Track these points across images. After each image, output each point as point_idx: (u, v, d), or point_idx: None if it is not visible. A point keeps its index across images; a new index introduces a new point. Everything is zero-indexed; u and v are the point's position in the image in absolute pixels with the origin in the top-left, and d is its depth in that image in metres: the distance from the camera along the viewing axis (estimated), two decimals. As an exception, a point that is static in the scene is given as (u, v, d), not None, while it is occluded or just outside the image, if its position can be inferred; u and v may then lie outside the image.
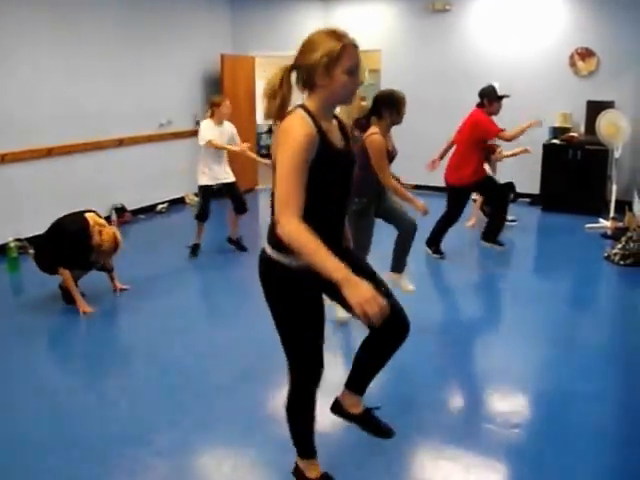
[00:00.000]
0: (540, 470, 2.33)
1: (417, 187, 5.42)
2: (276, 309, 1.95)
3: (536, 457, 2.41)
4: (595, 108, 6.48)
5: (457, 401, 2.96)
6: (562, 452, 2.43)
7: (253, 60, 8.33)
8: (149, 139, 6.92)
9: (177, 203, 7.32)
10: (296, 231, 1.62)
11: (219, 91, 7.82)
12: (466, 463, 2.38)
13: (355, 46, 1.76)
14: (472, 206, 6.23)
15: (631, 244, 4.97)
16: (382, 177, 3.58)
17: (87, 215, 3.96)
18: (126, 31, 6.48)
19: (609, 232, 5.80)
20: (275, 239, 1.78)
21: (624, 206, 6.13)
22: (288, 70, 1.79)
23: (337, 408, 2.17)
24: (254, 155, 5.72)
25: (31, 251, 5.08)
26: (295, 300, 1.90)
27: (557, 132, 6.98)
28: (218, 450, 2.52)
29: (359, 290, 1.54)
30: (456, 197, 5.09)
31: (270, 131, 12.13)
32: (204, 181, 5.20)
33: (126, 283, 4.43)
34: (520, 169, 6.55)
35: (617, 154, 6.07)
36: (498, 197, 5.17)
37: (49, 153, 5.62)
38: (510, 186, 5.92)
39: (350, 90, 1.78)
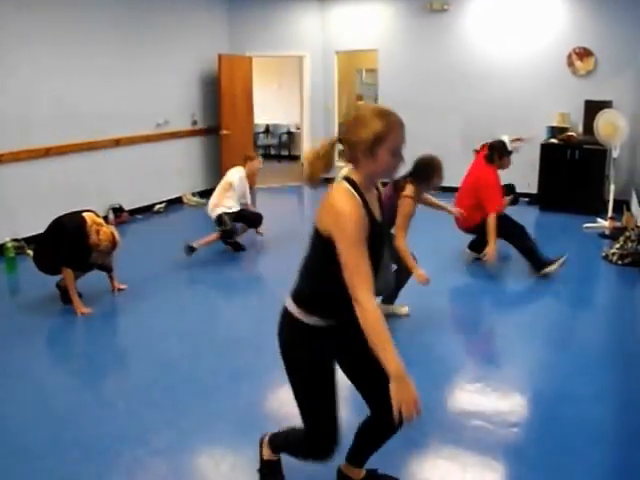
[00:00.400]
0: (538, 469, 2.33)
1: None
2: (293, 366, 1.96)
3: (534, 456, 2.41)
4: (593, 108, 6.50)
5: (455, 401, 2.96)
6: (560, 452, 2.43)
7: (250, 60, 8.34)
8: (146, 139, 6.92)
9: (174, 203, 7.34)
10: (375, 317, 1.67)
11: (216, 91, 7.83)
12: (464, 462, 2.39)
13: (402, 126, 1.80)
14: None
15: (629, 244, 4.97)
16: (397, 235, 3.60)
17: (85, 214, 3.96)
18: (123, 32, 6.49)
19: (607, 232, 5.81)
20: (301, 296, 1.88)
21: (622, 206, 6.19)
22: (334, 142, 1.86)
23: (340, 476, 2.24)
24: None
25: (29, 251, 5.08)
26: (314, 359, 1.92)
27: (555, 132, 7.01)
28: (216, 449, 2.52)
29: (406, 390, 1.65)
30: (500, 226, 4.71)
31: (267, 131, 12.14)
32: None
33: (123, 283, 4.44)
34: (518, 168, 6.54)
35: (615, 154, 6.08)
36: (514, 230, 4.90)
37: (46, 153, 5.62)
38: (510, 187, 5.91)
39: (392, 168, 1.83)
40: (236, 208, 5.33)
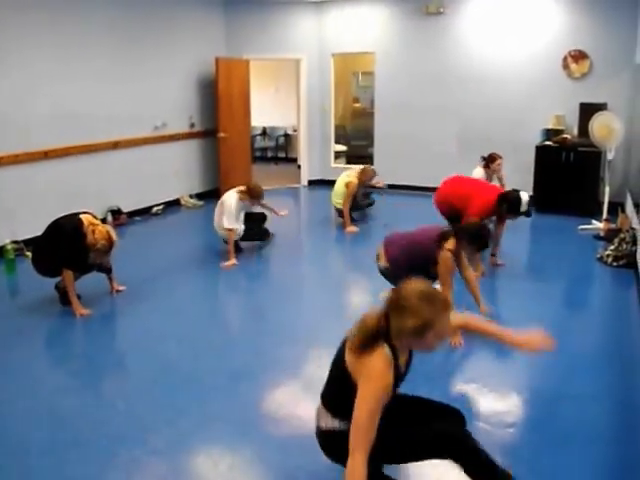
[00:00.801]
0: (535, 469, 2.34)
1: (410, 188, 5.44)
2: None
3: (531, 456, 2.43)
4: (588, 110, 6.52)
5: (451, 402, 2.95)
6: (556, 451, 2.45)
7: (247, 63, 8.37)
8: (144, 142, 6.95)
9: (172, 205, 7.36)
10: (360, 475, 1.77)
11: (214, 94, 7.86)
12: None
13: (447, 309, 1.91)
14: None
15: (624, 245, 5.00)
16: (443, 286, 3.60)
17: (82, 216, 3.99)
18: (121, 35, 6.52)
19: (602, 233, 5.82)
20: (341, 410, 1.98)
21: (617, 208, 6.19)
22: (380, 319, 1.91)
23: None
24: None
25: (28, 253, 5.09)
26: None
27: (550, 134, 7.03)
28: (214, 449, 2.53)
29: None
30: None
31: (264, 133, 12.16)
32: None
33: (122, 284, 4.46)
34: (513, 170, 6.58)
35: (610, 156, 6.11)
36: None
37: (45, 156, 5.65)
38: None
39: (435, 347, 1.94)
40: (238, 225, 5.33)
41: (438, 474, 2.35)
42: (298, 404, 2.84)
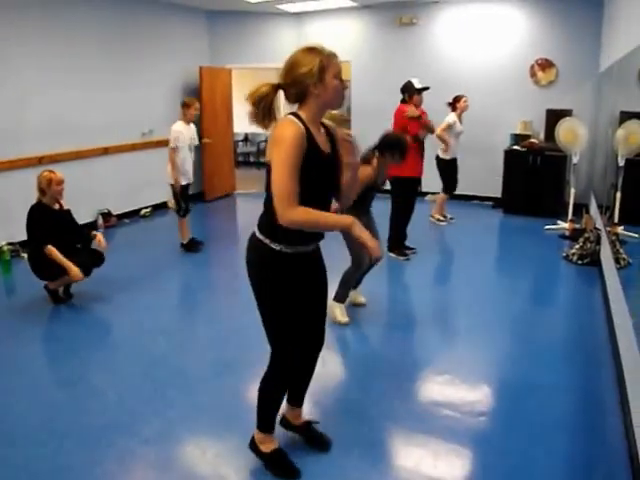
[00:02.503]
0: (504, 455, 2.43)
1: (386, 191, 5.62)
2: (260, 289, 2.13)
3: (500, 443, 2.52)
4: (554, 116, 6.67)
5: (425, 392, 3.04)
6: (524, 439, 2.54)
7: (230, 72, 8.49)
8: (132, 147, 7.09)
9: (160, 207, 7.43)
10: (302, 214, 1.84)
11: (198, 101, 7.96)
12: (435, 449, 2.48)
13: (335, 55, 1.96)
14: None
15: (588, 244, 5.12)
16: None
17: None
18: (110, 46, 6.65)
19: (567, 233, 5.98)
20: (266, 227, 2.02)
21: (581, 209, 6.33)
22: (275, 87, 1.95)
23: (283, 422, 2.50)
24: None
25: (23, 254, 5.25)
26: (279, 281, 2.09)
27: (518, 139, 7.16)
28: (202, 438, 2.60)
29: (356, 227, 1.88)
30: (401, 188, 5.30)
31: (246, 139, 12.28)
32: (184, 181, 5.45)
33: (114, 283, 4.58)
34: (482, 174, 6.76)
35: (575, 160, 6.23)
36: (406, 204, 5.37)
37: (40, 161, 5.76)
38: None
39: (341, 93, 1.97)
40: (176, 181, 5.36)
41: (412, 461, 2.43)
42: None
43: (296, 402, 2.49)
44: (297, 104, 1.98)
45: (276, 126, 1.90)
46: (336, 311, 3.86)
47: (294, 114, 1.94)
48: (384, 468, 2.41)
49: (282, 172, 1.82)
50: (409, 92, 5.47)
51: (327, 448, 2.47)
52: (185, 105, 5.39)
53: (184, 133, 5.34)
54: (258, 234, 2.08)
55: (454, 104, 6.42)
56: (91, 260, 4.27)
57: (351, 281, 3.92)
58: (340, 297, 3.89)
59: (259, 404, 2.32)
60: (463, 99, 6.39)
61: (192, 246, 5.61)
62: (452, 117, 6.35)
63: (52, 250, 4.02)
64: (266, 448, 2.35)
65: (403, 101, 5.52)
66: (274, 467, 2.33)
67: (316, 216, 1.88)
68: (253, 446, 2.39)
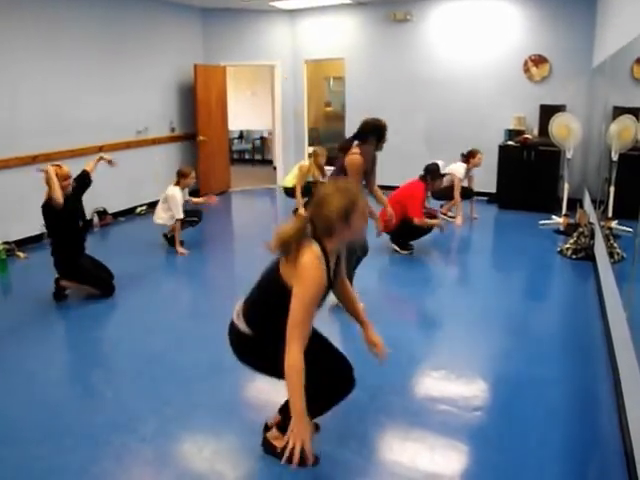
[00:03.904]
0: (499, 449, 2.45)
1: (380, 187, 5.65)
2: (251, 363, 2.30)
3: (496, 437, 2.54)
4: (548, 111, 6.69)
5: (421, 387, 3.06)
6: (520, 432, 2.56)
7: (224, 69, 8.49)
8: (127, 146, 7.07)
9: (155, 205, 7.41)
10: (298, 368, 1.91)
11: (193, 99, 7.97)
12: (431, 444, 2.50)
13: (360, 196, 2.05)
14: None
15: (582, 239, 5.16)
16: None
17: None
18: (105, 45, 6.64)
19: (561, 228, 6.00)
20: (254, 321, 2.15)
21: (575, 203, 6.37)
22: (305, 223, 2.03)
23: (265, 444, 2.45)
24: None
25: (19, 253, 5.29)
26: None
27: (512, 134, 7.18)
28: (199, 436, 2.61)
29: (301, 429, 1.87)
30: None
31: (241, 137, 12.27)
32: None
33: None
34: (478, 169, 6.78)
35: (569, 155, 6.27)
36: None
37: (34, 160, 5.75)
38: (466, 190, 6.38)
39: (363, 229, 2.11)
40: (171, 222, 5.56)
41: (409, 455, 2.45)
42: (277, 392, 2.89)
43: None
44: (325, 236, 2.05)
45: (304, 254, 1.97)
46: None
47: (320, 243, 2.03)
48: (381, 463, 2.43)
49: (304, 308, 1.94)
50: (434, 176, 5.34)
51: (316, 464, 2.41)
52: (182, 175, 5.56)
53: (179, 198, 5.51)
54: (241, 325, 2.19)
55: (468, 158, 6.39)
56: (108, 275, 4.39)
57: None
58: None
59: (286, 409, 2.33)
60: (478, 155, 6.35)
61: (172, 241, 5.63)
62: (461, 171, 6.31)
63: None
64: (281, 443, 2.37)
65: (423, 178, 5.35)
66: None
67: (299, 386, 1.92)
68: (267, 445, 2.41)
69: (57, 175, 4.06)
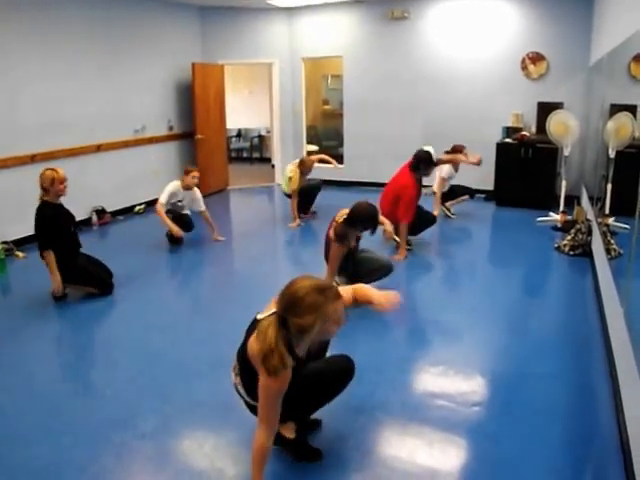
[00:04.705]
0: (498, 444, 2.47)
1: (379, 185, 5.70)
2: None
3: (494, 432, 2.55)
4: (545, 109, 6.71)
5: (420, 383, 3.08)
6: (518, 427, 2.58)
7: (222, 68, 8.49)
8: (125, 144, 7.08)
9: (153, 204, 7.41)
10: (263, 452, 2.04)
11: (191, 97, 7.97)
12: (430, 439, 2.52)
13: (339, 297, 2.01)
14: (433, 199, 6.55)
15: (580, 236, 5.17)
16: (328, 272, 3.89)
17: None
18: (103, 44, 6.64)
19: (559, 225, 6.02)
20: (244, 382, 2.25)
21: (573, 200, 6.40)
22: (279, 325, 1.98)
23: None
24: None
25: (18, 253, 5.29)
26: None
27: (510, 132, 7.20)
28: (199, 432, 2.63)
29: None
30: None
31: (239, 135, 12.26)
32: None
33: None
34: (475, 167, 6.80)
35: (566, 152, 6.26)
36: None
37: (32, 159, 5.76)
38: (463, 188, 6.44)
39: (335, 330, 2.06)
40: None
41: (408, 450, 2.47)
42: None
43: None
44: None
45: (269, 378, 1.98)
46: None
47: (290, 345, 2.01)
48: (379, 458, 2.44)
49: (268, 410, 2.04)
50: (427, 164, 5.23)
51: (320, 459, 2.45)
52: (184, 172, 5.65)
53: (176, 194, 5.56)
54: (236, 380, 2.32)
55: (452, 153, 6.43)
56: (107, 273, 4.39)
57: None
58: None
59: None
60: (463, 152, 6.31)
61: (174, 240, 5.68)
62: (445, 169, 6.37)
63: (50, 257, 4.07)
64: (289, 434, 2.44)
65: (414, 169, 5.24)
66: (297, 451, 2.41)
67: (261, 466, 2.06)
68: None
69: (54, 179, 4.07)
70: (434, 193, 6.56)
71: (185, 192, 5.66)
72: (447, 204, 6.73)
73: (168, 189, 5.57)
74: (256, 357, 2.02)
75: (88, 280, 4.30)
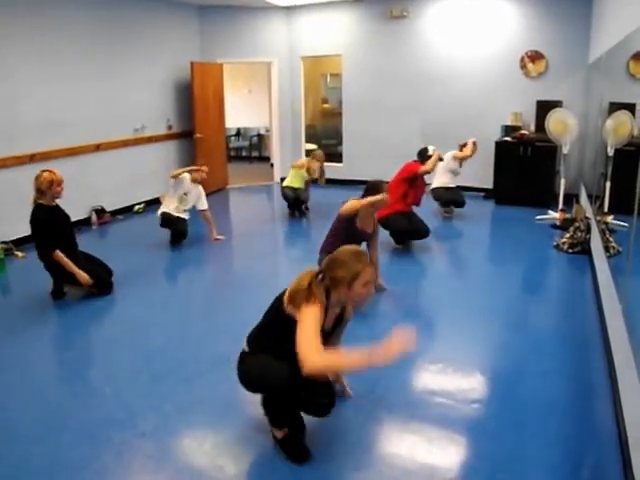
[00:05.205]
0: (497, 441, 2.48)
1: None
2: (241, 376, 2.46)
3: (493, 429, 2.56)
4: (544, 107, 6.70)
5: (419, 380, 3.09)
6: (517, 424, 2.59)
7: (221, 66, 8.49)
8: (125, 144, 7.07)
9: (153, 203, 7.41)
10: (324, 360, 2.07)
11: (190, 97, 7.97)
12: (429, 436, 2.52)
13: (370, 265, 2.32)
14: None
15: (578, 233, 5.19)
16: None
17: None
18: (102, 43, 6.64)
19: (558, 223, 6.03)
20: (253, 342, 2.40)
21: (572, 198, 6.42)
22: (315, 275, 2.27)
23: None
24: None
25: (17, 253, 5.28)
26: None
27: (509, 130, 7.21)
28: (199, 431, 2.62)
29: (385, 355, 2.01)
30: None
31: (238, 134, 12.26)
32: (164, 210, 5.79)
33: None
34: (474, 165, 6.81)
35: (565, 150, 6.26)
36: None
37: (32, 159, 5.76)
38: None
39: (364, 297, 2.33)
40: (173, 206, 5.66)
41: (407, 447, 2.48)
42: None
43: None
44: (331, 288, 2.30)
45: (308, 306, 2.18)
46: None
47: (327, 293, 2.28)
48: (379, 455, 2.45)
49: (311, 328, 2.13)
50: (422, 155, 5.65)
51: (308, 458, 2.44)
52: (196, 165, 5.81)
53: (182, 182, 5.60)
54: (245, 347, 2.44)
55: (462, 148, 6.54)
56: (106, 272, 4.38)
57: None
58: None
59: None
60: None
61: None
62: (447, 155, 6.44)
63: (59, 256, 4.06)
64: (278, 434, 2.46)
65: (419, 159, 5.64)
66: (285, 451, 2.42)
67: (340, 358, 2.22)
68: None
69: (52, 181, 4.05)
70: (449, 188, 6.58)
71: (192, 185, 5.68)
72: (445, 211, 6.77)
73: (178, 182, 5.67)
74: (289, 297, 2.25)
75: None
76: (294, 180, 6.80)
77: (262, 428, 2.53)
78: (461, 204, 6.59)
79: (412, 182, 5.35)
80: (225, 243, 5.84)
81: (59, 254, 4.06)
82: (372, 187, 4.13)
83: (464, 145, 6.52)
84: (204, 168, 5.74)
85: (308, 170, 6.75)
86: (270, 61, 8.85)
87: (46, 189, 4.04)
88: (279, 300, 2.32)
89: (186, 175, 5.64)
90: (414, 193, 5.41)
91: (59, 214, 4.19)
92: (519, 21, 7.27)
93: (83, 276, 4.12)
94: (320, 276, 2.28)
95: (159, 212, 5.64)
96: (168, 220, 5.60)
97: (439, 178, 6.53)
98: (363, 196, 4.12)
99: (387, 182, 4.15)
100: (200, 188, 5.78)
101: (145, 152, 7.46)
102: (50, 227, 4.06)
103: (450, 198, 6.58)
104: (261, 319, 2.43)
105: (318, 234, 6.66)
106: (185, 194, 5.67)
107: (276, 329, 2.31)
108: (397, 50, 8.04)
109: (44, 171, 4.10)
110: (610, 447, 2.44)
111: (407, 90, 8.07)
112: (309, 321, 2.13)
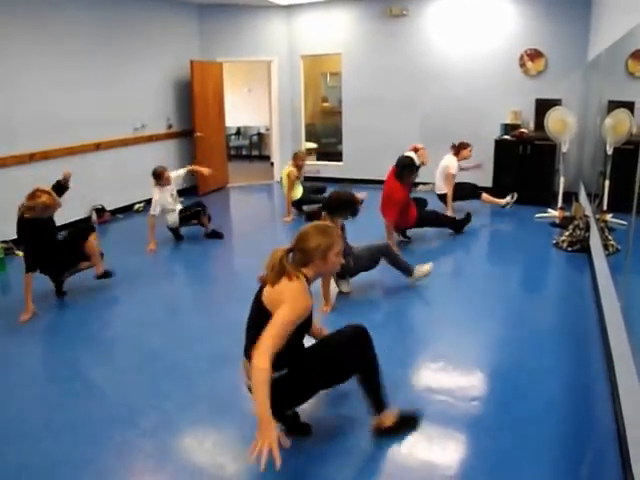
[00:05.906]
0: (496, 439, 2.49)
1: (378, 182, 5.71)
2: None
3: (493, 427, 2.57)
4: (543, 106, 6.70)
5: (419, 378, 3.09)
6: (516, 422, 2.59)
7: (221, 65, 8.50)
8: (125, 143, 7.09)
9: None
10: (265, 372, 1.97)
11: (189, 95, 7.97)
12: (429, 434, 2.53)
13: (340, 237, 2.39)
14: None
15: (578, 232, 5.19)
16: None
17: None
18: (102, 43, 6.65)
19: (557, 221, 6.04)
20: (246, 346, 2.38)
21: (571, 197, 6.44)
22: (286, 251, 2.30)
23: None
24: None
25: (17, 252, 5.28)
26: None
27: (508, 128, 7.21)
28: (199, 429, 2.63)
29: (266, 432, 1.88)
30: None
31: (239, 133, 12.27)
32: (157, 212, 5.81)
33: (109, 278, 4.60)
34: (474, 164, 6.79)
35: (564, 148, 6.27)
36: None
37: (31, 159, 5.77)
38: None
39: (337, 265, 2.39)
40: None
41: (407, 445, 2.48)
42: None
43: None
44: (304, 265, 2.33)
45: (291, 282, 2.20)
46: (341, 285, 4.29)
47: (305, 275, 2.29)
48: (379, 452, 2.46)
49: (282, 326, 2.09)
50: (410, 170, 5.27)
51: (309, 433, 2.54)
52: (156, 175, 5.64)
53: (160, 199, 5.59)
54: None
55: (458, 149, 6.42)
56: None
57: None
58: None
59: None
60: (469, 149, 6.39)
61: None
62: (454, 165, 6.33)
63: (28, 280, 3.99)
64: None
65: (398, 177, 5.23)
66: (289, 424, 2.49)
67: (263, 385, 1.97)
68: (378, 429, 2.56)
69: (50, 207, 4.01)
70: (443, 195, 6.51)
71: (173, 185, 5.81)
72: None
73: (180, 173, 5.93)
74: (265, 277, 2.28)
75: (77, 257, 4.26)
76: (297, 190, 6.80)
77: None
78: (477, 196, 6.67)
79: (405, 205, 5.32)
80: (225, 242, 5.85)
81: (29, 278, 3.98)
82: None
83: (461, 147, 6.44)
84: (202, 169, 5.76)
85: (297, 176, 6.76)
86: (270, 60, 8.86)
87: (40, 213, 3.97)
88: (259, 291, 2.34)
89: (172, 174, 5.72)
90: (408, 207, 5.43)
91: (40, 224, 4.05)
92: (518, 20, 7.27)
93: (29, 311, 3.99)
94: (291, 253, 2.32)
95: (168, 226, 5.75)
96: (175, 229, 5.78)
97: (450, 184, 6.49)
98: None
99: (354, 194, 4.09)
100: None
101: (145, 151, 7.47)
102: (33, 242, 4.01)
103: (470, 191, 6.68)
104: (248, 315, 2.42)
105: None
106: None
107: (260, 322, 2.23)
108: (397, 49, 8.05)
109: (42, 193, 3.94)
110: (609, 444, 2.45)
111: (407, 88, 8.08)
112: (282, 319, 2.10)
